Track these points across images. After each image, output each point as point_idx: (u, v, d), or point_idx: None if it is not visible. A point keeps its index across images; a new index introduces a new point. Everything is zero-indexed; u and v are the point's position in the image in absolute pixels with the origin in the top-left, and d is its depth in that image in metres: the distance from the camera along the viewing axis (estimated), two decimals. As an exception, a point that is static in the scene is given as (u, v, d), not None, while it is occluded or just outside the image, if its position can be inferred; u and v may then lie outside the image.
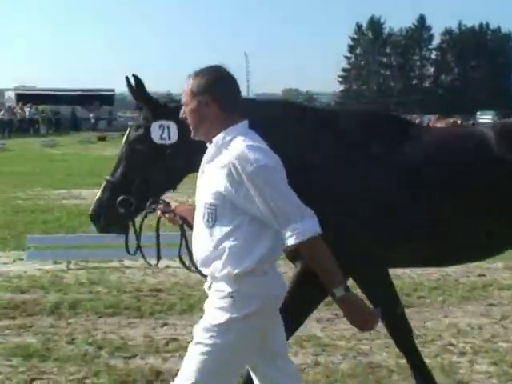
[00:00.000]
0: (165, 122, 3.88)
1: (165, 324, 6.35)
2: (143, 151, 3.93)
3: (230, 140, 3.00)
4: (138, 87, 3.93)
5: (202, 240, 3.07)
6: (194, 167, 3.47)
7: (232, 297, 3.00)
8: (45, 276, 7.99)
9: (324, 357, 5.56)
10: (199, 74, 3.09)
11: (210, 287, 3.12)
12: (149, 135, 3.91)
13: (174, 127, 3.86)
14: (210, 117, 3.05)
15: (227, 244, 2.99)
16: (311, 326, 6.14)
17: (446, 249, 4.20)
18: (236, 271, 2.98)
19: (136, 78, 3.92)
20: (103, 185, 4.01)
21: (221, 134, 3.03)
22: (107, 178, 3.99)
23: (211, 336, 3.01)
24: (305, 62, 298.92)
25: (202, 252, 3.09)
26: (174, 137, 3.86)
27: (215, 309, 3.03)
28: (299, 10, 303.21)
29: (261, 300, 3.02)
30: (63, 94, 53.91)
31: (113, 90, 59.83)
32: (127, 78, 3.96)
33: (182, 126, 3.50)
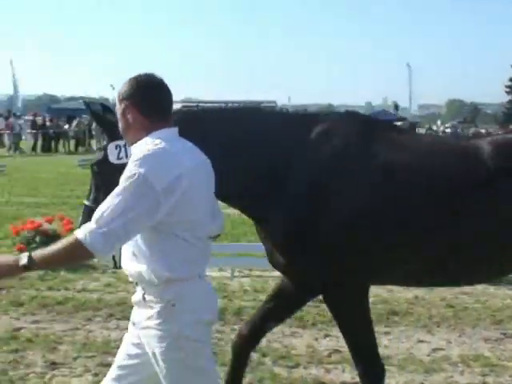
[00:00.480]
0: (120, 142, 3.82)
1: (327, 335, 6.37)
2: (105, 173, 3.90)
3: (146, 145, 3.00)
4: (89, 110, 3.98)
5: (127, 247, 3.07)
6: None
7: (173, 305, 2.99)
8: (211, 282, 8.20)
9: (492, 377, 5.37)
10: (128, 80, 3.13)
11: (144, 297, 3.07)
12: (107, 157, 3.92)
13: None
14: (132, 122, 3.08)
15: (145, 250, 3.00)
16: (478, 346, 5.95)
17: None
18: (162, 278, 2.97)
19: (85, 103, 4.05)
20: (82, 210, 4.02)
21: (141, 140, 3.05)
22: (84, 202, 4.02)
23: (172, 354, 3.01)
24: (470, 72, 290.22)
25: (127, 259, 3.09)
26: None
27: (162, 323, 3.00)
28: (463, 20, 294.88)
29: (202, 301, 3.07)
30: (228, 106, 55.33)
31: (274, 102, 60.74)
32: (85, 103, 4.05)
33: None
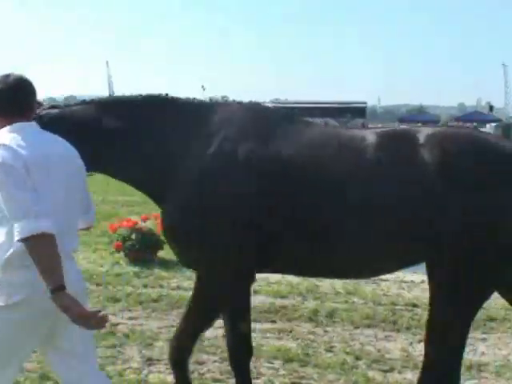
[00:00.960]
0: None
1: (421, 340, 6.24)
2: None
3: None
4: None
5: None
6: None
7: None
8: (302, 283, 8.21)
9: None
10: None
11: None
12: None
13: None
14: None
15: None
16: None
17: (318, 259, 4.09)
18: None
19: None
20: None
21: None
22: None
23: None
24: None
25: None
26: None
27: None
28: None
29: (24, 291, 3.18)
30: (316, 106, 55.31)
31: (365, 103, 60.42)
32: None
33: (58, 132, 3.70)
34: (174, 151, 4.18)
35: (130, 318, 6.82)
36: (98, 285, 8.04)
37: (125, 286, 8.00)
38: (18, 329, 3.27)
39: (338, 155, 3.97)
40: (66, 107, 4.41)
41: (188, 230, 4.09)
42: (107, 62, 57.30)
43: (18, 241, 3.10)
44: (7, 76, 3.42)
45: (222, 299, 4.32)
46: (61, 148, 3.47)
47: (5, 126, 3.37)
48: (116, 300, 7.40)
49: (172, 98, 4.44)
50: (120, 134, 4.27)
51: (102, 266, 8.96)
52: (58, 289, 3.08)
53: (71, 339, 3.43)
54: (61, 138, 3.53)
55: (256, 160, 4.01)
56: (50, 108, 4.37)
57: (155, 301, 7.35)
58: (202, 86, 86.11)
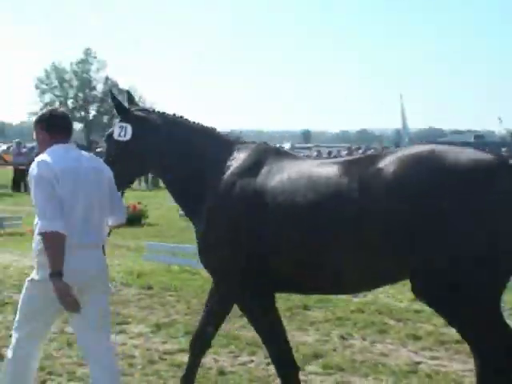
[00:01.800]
0: (125, 124, 5.06)
1: None
2: (109, 145, 5.15)
3: None
4: (112, 99, 5.20)
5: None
6: (144, 162, 5.16)
7: (37, 265, 4.38)
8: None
9: None
10: (43, 111, 4.69)
11: None
12: (113, 132, 5.12)
13: (129, 128, 5.03)
14: (40, 139, 4.57)
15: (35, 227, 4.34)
16: None
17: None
18: (35, 248, 4.35)
19: (111, 93, 5.37)
20: None
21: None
22: None
23: (26, 287, 4.46)
24: None
25: None
26: (128, 135, 5.02)
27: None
28: None
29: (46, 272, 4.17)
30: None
31: None
32: (110, 90, 5.66)
33: (138, 129, 5.04)
34: (206, 180, 4.88)
35: (432, 358, 6.69)
36: (397, 320, 8.03)
37: (425, 323, 7.87)
38: (45, 300, 4.28)
39: (310, 186, 4.40)
40: (150, 112, 5.25)
41: (206, 249, 4.81)
42: (401, 96, 57.15)
43: (38, 234, 4.22)
44: (51, 108, 4.67)
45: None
46: (90, 163, 4.50)
47: (49, 142, 4.45)
48: (416, 338, 7.31)
49: (220, 133, 5.22)
50: (174, 150, 5.06)
51: (401, 302, 8.88)
52: (54, 274, 4.08)
53: (92, 316, 4.35)
54: (93, 156, 4.66)
55: (248, 192, 4.60)
56: (140, 110, 5.30)
57: (458, 342, 7.09)
58: (499, 118, 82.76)
